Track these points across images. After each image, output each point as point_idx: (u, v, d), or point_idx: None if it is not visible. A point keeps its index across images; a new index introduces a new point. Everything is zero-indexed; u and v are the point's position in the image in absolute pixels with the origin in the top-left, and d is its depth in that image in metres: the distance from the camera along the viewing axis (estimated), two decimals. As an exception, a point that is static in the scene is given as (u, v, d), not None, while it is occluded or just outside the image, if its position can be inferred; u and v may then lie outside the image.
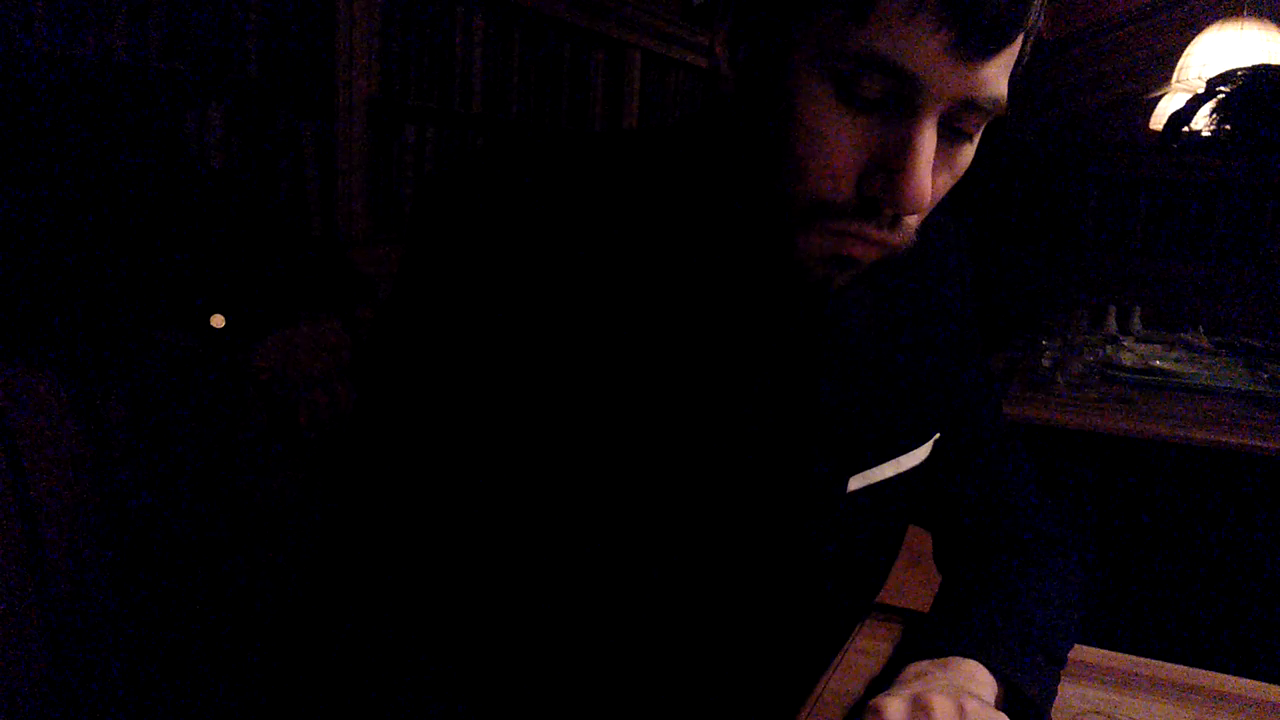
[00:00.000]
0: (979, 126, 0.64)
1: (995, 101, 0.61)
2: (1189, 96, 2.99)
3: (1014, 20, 0.58)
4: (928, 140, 0.60)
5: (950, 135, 0.63)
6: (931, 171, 0.62)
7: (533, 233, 0.68)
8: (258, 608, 1.13)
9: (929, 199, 0.61)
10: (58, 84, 1.43)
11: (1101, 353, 2.55)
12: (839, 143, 0.61)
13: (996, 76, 0.60)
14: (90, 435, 0.97)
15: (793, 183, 0.63)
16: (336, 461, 1.19)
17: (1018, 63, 0.63)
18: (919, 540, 0.93)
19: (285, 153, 2.05)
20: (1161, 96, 4.31)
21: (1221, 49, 3.45)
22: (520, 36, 2.74)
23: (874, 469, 0.79)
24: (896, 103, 0.59)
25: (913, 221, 0.65)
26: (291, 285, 1.44)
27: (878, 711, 0.65)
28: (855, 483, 0.78)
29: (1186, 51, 3.63)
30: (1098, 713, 0.77)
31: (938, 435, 0.85)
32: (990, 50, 0.58)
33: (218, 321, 1.22)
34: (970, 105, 0.60)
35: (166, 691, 1.02)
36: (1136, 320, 3.21)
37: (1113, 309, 3.13)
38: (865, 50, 0.57)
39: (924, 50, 0.57)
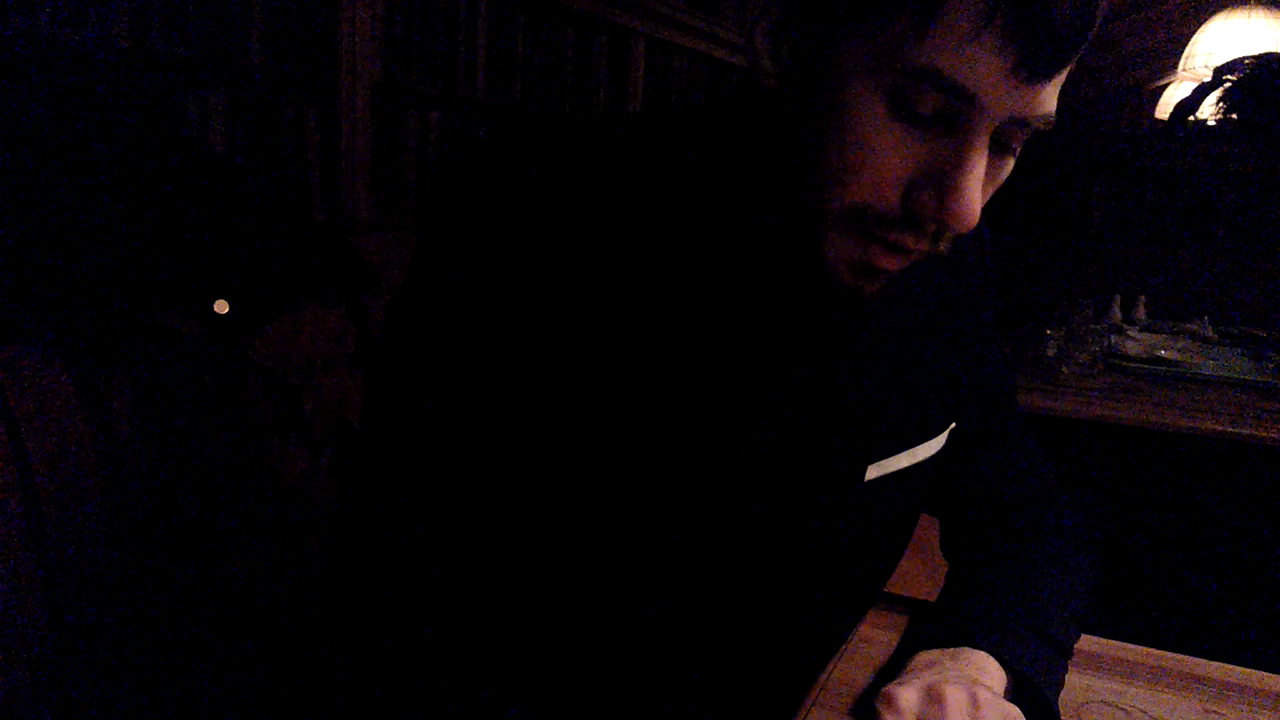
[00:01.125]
0: (1025, 139, 0.63)
1: (1047, 118, 0.60)
2: (1195, 85, 2.98)
3: (1079, 41, 0.58)
4: (980, 159, 0.59)
5: (998, 150, 0.62)
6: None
7: (552, 220, 0.67)
8: (262, 593, 1.13)
9: (978, 216, 0.61)
10: (60, 70, 1.42)
11: (1106, 342, 2.54)
12: (888, 155, 0.60)
13: (1050, 95, 0.60)
14: (94, 420, 0.97)
15: (835, 188, 0.62)
16: (351, 454, 1.19)
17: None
18: (924, 529, 0.92)
19: (289, 139, 2.04)
20: (1168, 85, 4.30)
21: (1228, 37, 3.44)
22: (524, 22, 2.73)
23: (891, 458, 0.79)
24: (950, 118, 0.58)
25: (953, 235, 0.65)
26: (295, 271, 1.44)
27: (890, 700, 0.65)
28: (872, 471, 0.78)
29: (1193, 40, 3.62)
30: (1104, 702, 0.77)
31: (953, 425, 0.85)
32: (1050, 71, 0.58)
33: (221, 307, 1.21)
34: (1024, 122, 0.60)
35: (171, 678, 1.02)
36: (1141, 310, 3.21)
37: (1117, 298, 3.13)
38: (925, 66, 0.56)
39: (986, 69, 0.56)
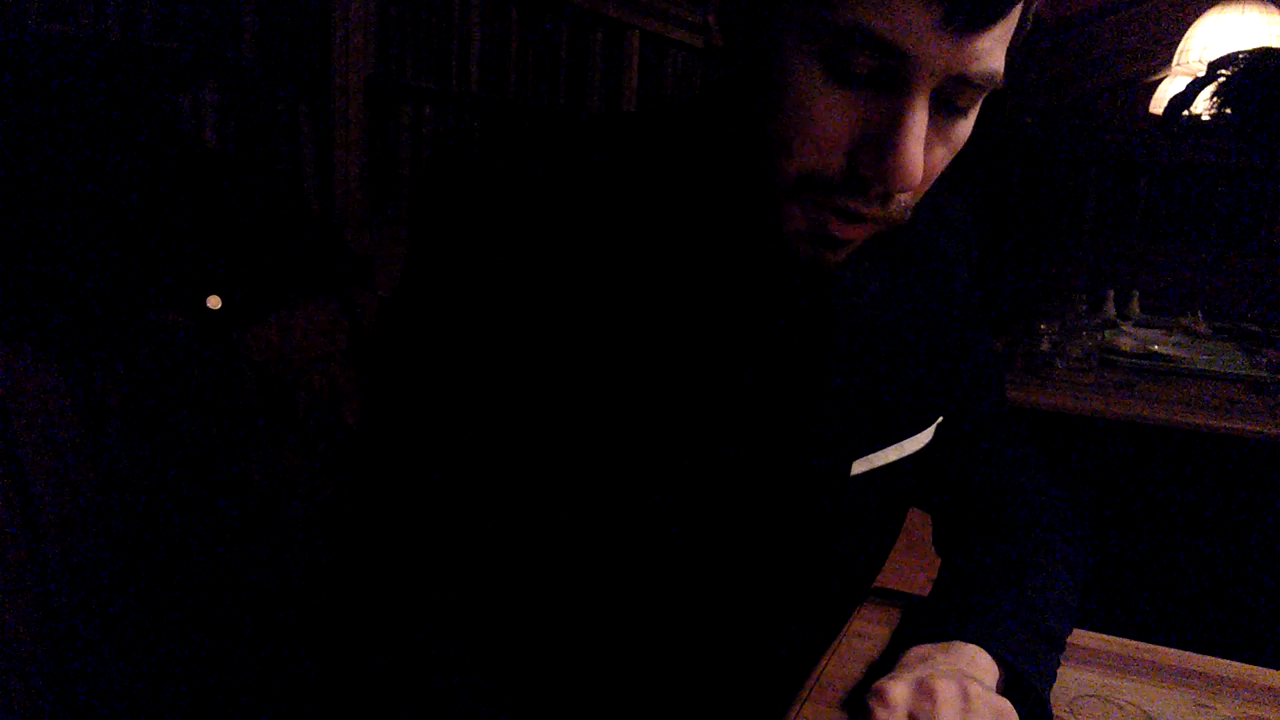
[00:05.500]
0: (975, 100, 0.62)
1: (990, 76, 0.59)
2: (1189, 80, 2.98)
3: None
4: (918, 117, 0.59)
5: (945, 109, 0.62)
6: (925, 147, 0.60)
7: (539, 220, 0.67)
8: (255, 588, 1.12)
9: (920, 176, 0.60)
10: (51, 65, 1.42)
11: (1100, 337, 2.55)
12: (827, 119, 0.60)
13: (990, 50, 0.59)
14: (86, 418, 0.96)
15: (780, 157, 0.62)
16: (347, 450, 1.19)
17: (1017, 34, 0.62)
18: (916, 524, 0.92)
19: (281, 133, 2.04)
20: (1162, 80, 4.30)
21: (1222, 32, 3.44)
22: (518, 16, 2.72)
23: (877, 452, 0.79)
24: (886, 78, 0.58)
25: (906, 198, 0.64)
26: (288, 267, 1.44)
27: (881, 695, 0.65)
28: (859, 466, 0.78)
29: (1187, 34, 3.62)
30: (1096, 696, 0.77)
31: (941, 419, 0.85)
32: (981, 24, 0.57)
33: (214, 303, 1.21)
34: (964, 80, 0.59)
35: (165, 674, 1.02)
36: (1135, 305, 3.21)
37: (1111, 293, 3.13)
38: (853, 24, 0.56)
39: (913, 24, 0.55)
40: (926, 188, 0.66)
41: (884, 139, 0.59)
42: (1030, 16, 0.63)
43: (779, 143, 0.62)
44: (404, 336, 0.71)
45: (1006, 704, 0.65)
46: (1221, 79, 2.73)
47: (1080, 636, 0.84)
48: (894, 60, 0.57)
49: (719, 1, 0.65)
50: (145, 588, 1.01)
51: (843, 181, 0.61)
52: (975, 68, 0.58)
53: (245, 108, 1.95)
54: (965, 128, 0.64)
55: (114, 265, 1.22)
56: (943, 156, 0.64)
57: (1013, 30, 0.60)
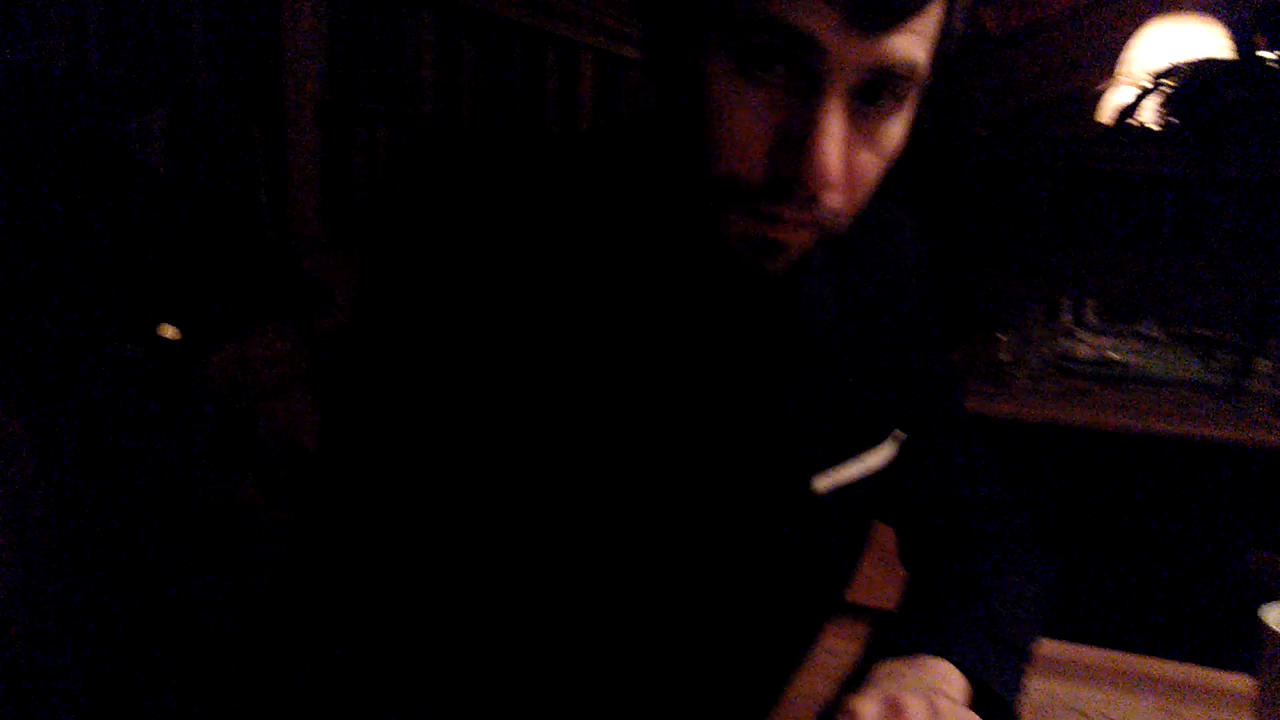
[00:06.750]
0: (900, 100, 0.61)
1: (908, 67, 0.59)
2: (1135, 90, 3.04)
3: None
4: (833, 114, 0.58)
5: (868, 111, 0.61)
6: (849, 149, 0.60)
7: (494, 246, 0.67)
8: (220, 616, 1.11)
9: (837, 176, 0.59)
10: (-3, 91, 1.39)
11: (1057, 346, 2.58)
12: (744, 119, 0.59)
13: (907, 45, 0.58)
14: (41, 452, 0.95)
15: (706, 163, 0.62)
16: (307, 478, 1.18)
17: (948, 34, 0.62)
18: (885, 538, 0.93)
19: (233, 158, 2.01)
20: (1107, 89, 4.37)
21: (1163, 43, 3.51)
22: (470, 36, 2.72)
23: (839, 468, 0.79)
24: (801, 76, 0.58)
25: (833, 201, 0.62)
26: (244, 294, 1.42)
27: (851, 712, 0.65)
28: (821, 483, 0.78)
29: (1129, 46, 3.69)
30: (1065, 707, 0.77)
31: (900, 432, 0.85)
32: (890, 23, 0.57)
33: (169, 333, 1.19)
34: (883, 76, 0.59)
35: (125, 707, 1.00)
36: (1090, 313, 3.25)
37: (1067, 302, 3.17)
38: (763, 18, 0.56)
39: (822, 18, 0.55)
40: (861, 194, 0.64)
41: (800, 139, 0.58)
42: (958, 20, 0.62)
43: (702, 147, 0.61)
44: (363, 362, 0.71)
45: (975, 717, 0.65)
46: (1165, 90, 2.79)
47: (1047, 646, 0.85)
48: (806, 54, 0.57)
49: (644, 12, 0.65)
50: (104, 620, 0.99)
51: (766, 185, 0.61)
52: (890, 60, 0.58)
53: (195, 133, 1.92)
54: (894, 131, 0.63)
55: (66, 296, 1.20)
56: (871, 162, 0.63)
57: (935, 29, 0.60)
